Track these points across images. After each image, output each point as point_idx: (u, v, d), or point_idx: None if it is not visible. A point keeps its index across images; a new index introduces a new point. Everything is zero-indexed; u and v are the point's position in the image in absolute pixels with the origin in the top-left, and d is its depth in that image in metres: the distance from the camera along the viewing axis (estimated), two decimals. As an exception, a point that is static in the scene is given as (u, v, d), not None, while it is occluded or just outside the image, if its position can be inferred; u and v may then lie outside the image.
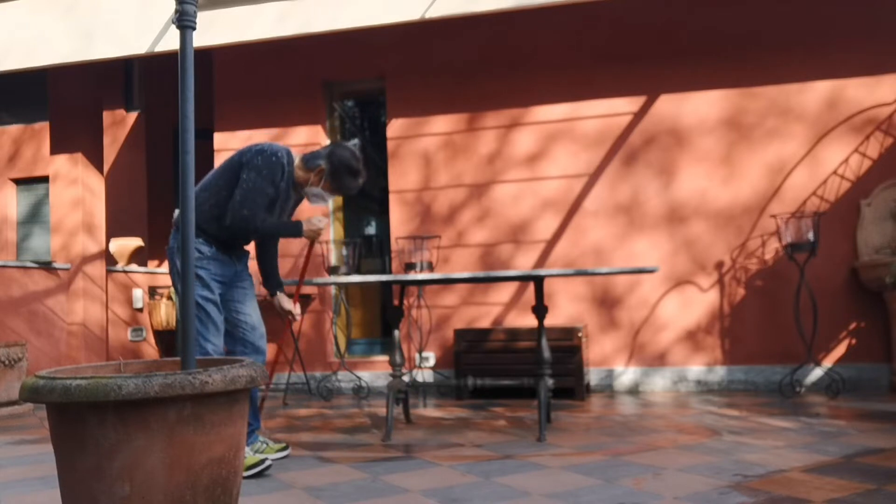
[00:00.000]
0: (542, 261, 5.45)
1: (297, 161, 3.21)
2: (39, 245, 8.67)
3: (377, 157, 6.13)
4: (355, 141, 3.35)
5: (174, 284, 3.17)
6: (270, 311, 5.57)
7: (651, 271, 3.53)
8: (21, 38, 5.28)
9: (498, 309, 5.51)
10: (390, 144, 5.77)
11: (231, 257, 3.18)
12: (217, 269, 3.11)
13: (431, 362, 5.55)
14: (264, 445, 3.25)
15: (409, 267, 5.27)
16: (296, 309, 3.47)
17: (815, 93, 5.08)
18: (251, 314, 3.26)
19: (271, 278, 3.44)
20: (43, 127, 8.38)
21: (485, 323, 5.50)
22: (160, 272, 7.69)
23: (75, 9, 5.17)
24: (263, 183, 3.04)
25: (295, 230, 3.17)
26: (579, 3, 4.68)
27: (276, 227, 3.17)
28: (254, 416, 3.24)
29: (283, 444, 3.30)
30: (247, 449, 3.01)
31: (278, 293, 3.44)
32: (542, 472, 2.84)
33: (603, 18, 5.35)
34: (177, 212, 3.00)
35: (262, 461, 2.94)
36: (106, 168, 7.32)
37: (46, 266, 6.35)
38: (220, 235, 3.12)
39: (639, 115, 5.33)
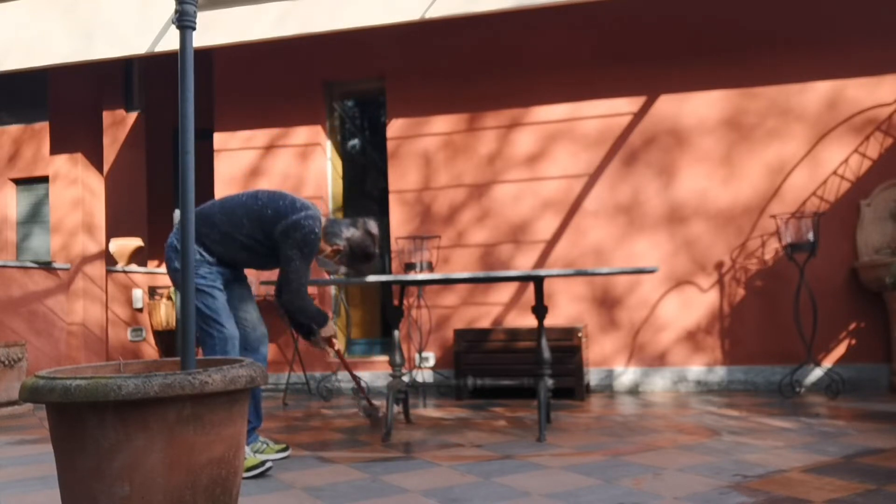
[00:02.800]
0: (542, 261, 5.45)
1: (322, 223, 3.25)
2: (39, 245, 8.67)
3: (377, 157, 6.13)
4: (372, 224, 3.32)
5: (173, 280, 3.17)
6: (266, 312, 5.57)
7: (651, 271, 3.53)
8: (21, 38, 5.28)
9: (498, 309, 5.51)
10: (390, 144, 5.77)
11: (229, 270, 3.23)
12: (217, 268, 3.16)
13: (431, 362, 5.55)
14: (264, 446, 3.25)
15: (409, 267, 5.27)
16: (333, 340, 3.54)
17: (815, 93, 5.08)
18: (252, 313, 3.29)
19: (315, 316, 3.43)
20: (43, 127, 8.38)
21: (485, 323, 5.50)
22: (160, 272, 7.69)
23: (75, 9, 5.16)
24: (307, 259, 3.11)
25: (321, 320, 3.30)
26: (579, 3, 4.67)
27: (312, 312, 3.23)
28: (255, 414, 3.24)
29: (284, 445, 3.30)
30: (247, 450, 3.00)
31: (327, 325, 3.44)
32: (541, 472, 2.84)
33: (603, 18, 5.35)
34: (177, 212, 3.02)
35: (263, 462, 2.94)
36: (106, 168, 7.32)
37: (46, 266, 6.35)
38: (224, 258, 3.16)
39: (639, 116, 5.33)
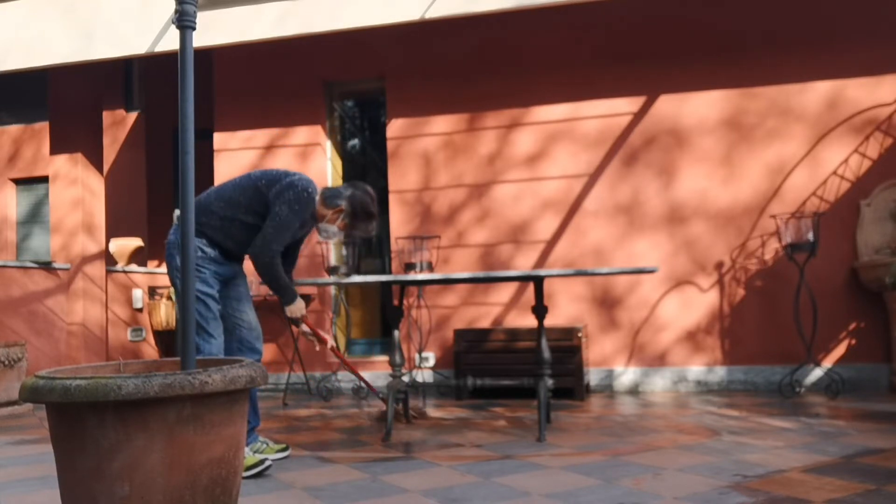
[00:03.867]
0: (542, 261, 5.45)
1: (317, 195, 3.25)
2: (39, 245, 8.67)
3: (377, 157, 6.13)
4: (369, 186, 3.37)
5: (172, 280, 3.18)
6: (268, 312, 5.58)
7: (651, 271, 3.53)
8: (21, 38, 5.28)
9: (498, 309, 5.51)
10: (390, 144, 5.77)
11: (230, 263, 3.23)
12: (217, 269, 3.16)
13: (431, 362, 5.55)
14: (264, 445, 3.25)
15: (409, 267, 5.27)
16: (323, 337, 3.50)
17: (815, 93, 5.08)
18: (248, 312, 3.28)
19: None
20: (43, 127, 8.38)
21: (485, 323, 5.50)
22: (160, 272, 7.69)
23: (75, 9, 5.17)
24: (293, 219, 3.10)
25: (289, 297, 3.23)
26: (579, 3, 4.67)
27: (281, 282, 3.17)
28: (253, 413, 3.24)
29: (284, 445, 3.29)
30: (246, 449, 3.00)
31: (302, 321, 3.44)
32: (541, 472, 2.84)
33: (603, 18, 5.35)
34: (177, 212, 3.02)
35: (262, 461, 2.94)
36: (106, 168, 7.32)
37: (46, 266, 6.35)
38: (225, 245, 3.16)
39: (639, 116, 5.33)
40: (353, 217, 3.26)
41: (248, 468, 2.89)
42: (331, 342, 3.52)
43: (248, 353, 3.23)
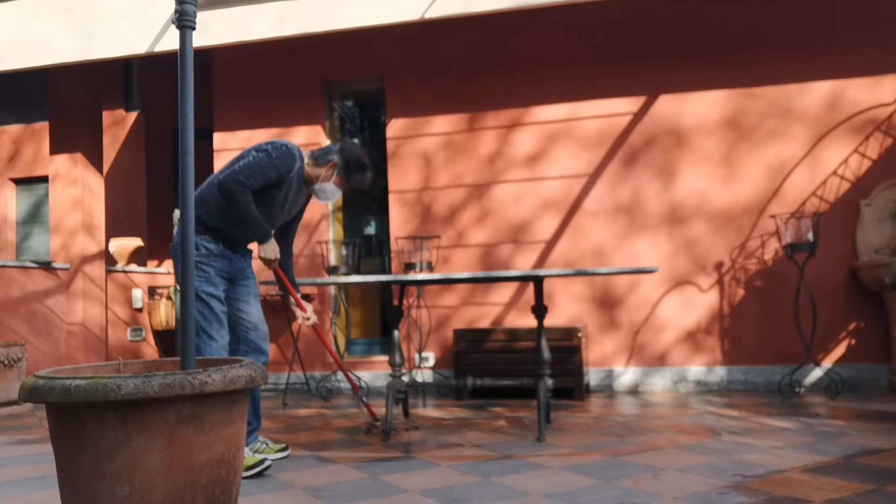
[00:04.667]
0: (542, 261, 5.45)
1: (307, 159, 3.24)
2: (39, 245, 8.67)
3: (377, 157, 6.13)
4: (356, 140, 3.38)
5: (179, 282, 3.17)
6: (268, 312, 5.57)
7: (651, 272, 3.53)
8: (21, 38, 5.28)
9: (498, 309, 5.51)
10: (390, 144, 5.77)
11: (236, 254, 3.19)
12: (222, 266, 3.12)
13: (431, 362, 5.55)
14: (264, 446, 3.25)
15: (409, 267, 5.27)
16: (307, 312, 3.44)
17: (815, 93, 5.08)
18: (253, 313, 3.26)
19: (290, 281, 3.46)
20: (43, 127, 8.38)
21: (485, 323, 5.50)
22: (160, 272, 7.69)
23: (75, 9, 5.17)
24: (269, 166, 3.05)
25: (261, 236, 3.14)
26: (579, 3, 4.68)
27: (252, 219, 3.06)
28: (254, 416, 3.24)
29: (283, 445, 3.30)
30: (245, 449, 3.00)
31: (293, 298, 3.44)
32: (541, 472, 2.84)
33: (603, 18, 5.35)
34: (177, 212, 3.01)
35: (262, 461, 2.94)
36: (105, 168, 7.33)
37: (46, 266, 6.35)
38: (228, 233, 3.13)
39: (639, 116, 5.33)
40: (348, 170, 3.25)
41: (248, 468, 2.89)
42: (313, 319, 3.46)
43: (254, 355, 3.22)
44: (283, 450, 3.27)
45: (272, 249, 3.21)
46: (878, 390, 4.77)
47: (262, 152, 3.07)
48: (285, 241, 3.43)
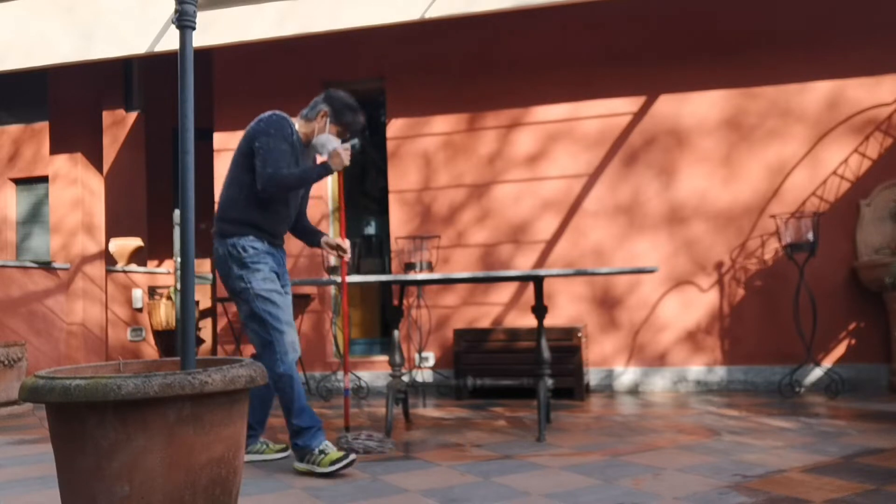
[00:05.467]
0: (542, 261, 5.45)
1: (297, 122, 3.23)
2: (39, 245, 8.67)
3: (377, 157, 6.13)
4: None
5: (233, 288, 3.06)
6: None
7: (651, 271, 3.53)
8: (21, 38, 5.28)
9: (498, 309, 5.51)
10: (390, 144, 5.77)
11: (277, 249, 3.17)
12: (271, 262, 3.09)
13: (431, 362, 5.55)
14: (264, 446, 3.25)
15: (409, 267, 5.27)
16: (345, 243, 3.33)
17: (815, 93, 5.08)
18: (290, 319, 3.21)
19: (312, 235, 3.40)
20: (43, 127, 8.38)
21: (485, 323, 5.50)
22: (160, 272, 7.70)
23: (75, 9, 5.17)
24: (276, 142, 3.04)
25: (321, 169, 3.13)
26: (579, 3, 4.68)
27: (303, 173, 3.09)
28: (259, 423, 3.23)
29: (283, 445, 3.30)
30: (329, 443, 2.96)
31: (322, 239, 3.35)
32: (541, 472, 2.84)
33: (603, 18, 5.35)
34: (177, 212, 2.99)
35: (347, 455, 2.87)
36: (105, 168, 7.33)
37: (46, 266, 6.35)
38: (266, 224, 3.09)
39: (639, 116, 5.33)
40: (339, 114, 3.23)
41: (333, 462, 2.83)
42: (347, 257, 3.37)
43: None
44: (283, 450, 3.27)
45: (336, 156, 3.15)
46: (878, 390, 4.77)
47: (263, 135, 3.05)
48: (300, 215, 3.39)
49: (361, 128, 3.35)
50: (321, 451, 2.89)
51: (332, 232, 6.02)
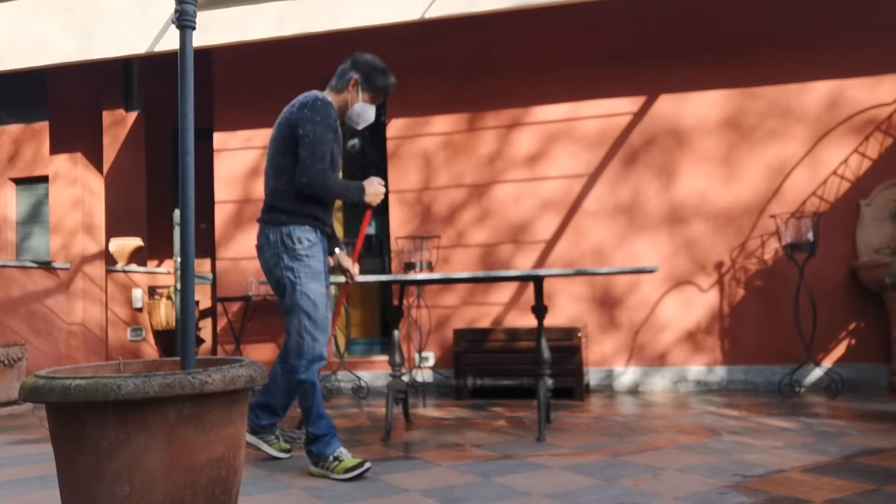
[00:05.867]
0: (542, 261, 5.45)
1: (329, 96, 3.10)
2: (39, 245, 8.67)
3: (377, 157, 6.13)
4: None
5: (278, 278, 2.99)
6: (269, 312, 5.56)
7: (651, 271, 3.53)
8: (21, 38, 5.28)
9: (498, 309, 5.51)
10: (390, 144, 5.77)
11: (325, 239, 3.08)
12: (322, 256, 3.02)
13: (431, 362, 5.55)
14: (276, 440, 3.24)
15: (409, 267, 5.27)
16: (354, 268, 3.29)
17: (815, 93, 5.08)
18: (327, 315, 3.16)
19: (329, 238, 3.30)
20: (43, 127, 8.39)
21: (485, 323, 5.50)
22: (160, 272, 7.70)
23: (75, 9, 5.17)
24: (323, 131, 2.92)
25: (358, 194, 3.06)
26: (579, 3, 4.67)
27: (343, 189, 3.02)
28: (283, 408, 3.22)
29: (289, 447, 3.29)
30: (344, 450, 2.94)
31: (337, 251, 3.28)
32: (541, 472, 2.84)
33: (603, 18, 5.35)
34: (177, 212, 2.98)
35: (362, 463, 2.84)
36: (105, 168, 7.33)
37: (46, 266, 6.35)
38: (320, 213, 3.02)
39: (639, 116, 5.33)
40: (370, 78, 3.08)
41: (348, 469, 2.81)
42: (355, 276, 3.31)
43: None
44: (286, 451, 3.27)
45: (374, 192, 3.08)
46: (878, 390, 4.77)
47: (309, 123, 2.92)
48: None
49: (392, 88, 3.19)
50: (336, 458, 2.87)
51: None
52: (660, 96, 5.31)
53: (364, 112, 3.12)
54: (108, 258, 7.01)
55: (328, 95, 3.11)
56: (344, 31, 4.89)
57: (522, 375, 4.52)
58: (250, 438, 3.21)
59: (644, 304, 5.25)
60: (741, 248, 5.14)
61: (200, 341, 7.24)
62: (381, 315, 6.27)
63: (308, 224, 2.98)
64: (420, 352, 5.50)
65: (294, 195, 2.97)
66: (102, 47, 5.12)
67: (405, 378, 5.08)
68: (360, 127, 3.18)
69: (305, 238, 2.96)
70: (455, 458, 3.17)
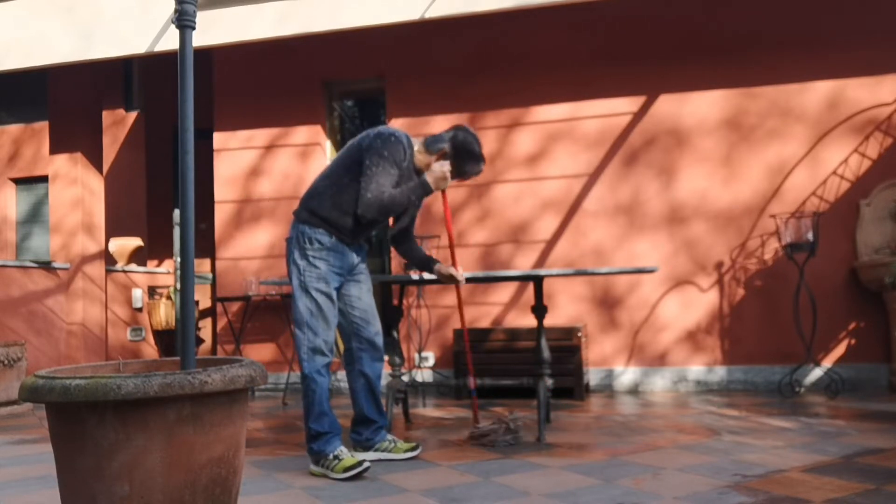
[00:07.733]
0: (542, 261, 5.45)
1: (416, 146, 3.14)
2: (39, 245, 8.67)
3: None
4: (469, 129, 3.27)
5: (289, 272, 3.07)
6: (269, 312, 5.56)
7: (651, 271, 3.53)
8: (21, 38, 5.27)
9: (498, 309, 5.51)
10: (390, 144, 5.76)
11: (350, 248, 3.10)
12: (336, 261, 3.04)
13: (431, 362, 5.55)
14: (392, 444, 3.20)
15: (409, 267, 5.26)
16: (457, 271, 3.29)
17: (815, 93, 5.08)
18: (366, 310, 3.20)
19: (423, 262, 3.36)
20: (43, 127, 8.38)
21: (485, 323, 5.50)
22: (160, 272, 7.70)
23: (75, 9, 5.16)
24: (386, 165, 2.96)
25: (423, 189, 3.08)
26: (579, 3, 4.67)
27: (404, 194, 3.02)
28: (378, 412, 3.21)
29: (414, 444, 3.22)
30: (344, 449, 2.94)
31: (436, 266, 3.31)
32: (541, 472, 2.84)
33: (603, 18, 5.35)
34: (176, 212, 2.99)
35: (361, 462, 2.84)
36: (105, 168, 7.33)
37: (46, 266, 6.35)
38: (344, 224, 3.04)
39: (639, 115, 5.33)
40: (459, 158, 3.13)
41: (346, 469, 2.81)
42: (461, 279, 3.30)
43: (369, 350, 3.21)
44: (413, 448, 3.19)
45: (437, 177, 3.09)
46: (878, 390, 4.77)
47: (375, 154, 2.95)
48: (407, 233, 3.38)
49: (477, 174, 3.28)
50: (335, 457, 2.88)
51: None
52: (660, 96, 5.31)
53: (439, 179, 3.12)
54: (108, 258, 7.01)
55: (418, 145, 3.15)
56: (344, 31, 4.89)
57: (522, 375, 4.52)
58: (371, 455, 3.14)
59: (644, 304, 5.25)
60: (741, 248, 5.14)
61: (200, 341, 7.24)
62: (381, 315, 6.26)
63: (324, 228, 3.02)
64: (420, 352, 5.50)
65: (326, 201, 3.03)
66: (102, 47, 5.12)
67: (405, 378, 5.08)
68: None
69: (317, 241, 3.01)
70: (455, 457, 3.17)
